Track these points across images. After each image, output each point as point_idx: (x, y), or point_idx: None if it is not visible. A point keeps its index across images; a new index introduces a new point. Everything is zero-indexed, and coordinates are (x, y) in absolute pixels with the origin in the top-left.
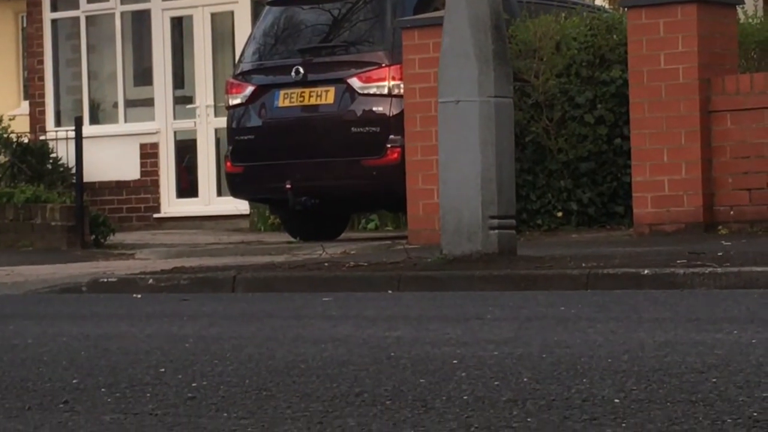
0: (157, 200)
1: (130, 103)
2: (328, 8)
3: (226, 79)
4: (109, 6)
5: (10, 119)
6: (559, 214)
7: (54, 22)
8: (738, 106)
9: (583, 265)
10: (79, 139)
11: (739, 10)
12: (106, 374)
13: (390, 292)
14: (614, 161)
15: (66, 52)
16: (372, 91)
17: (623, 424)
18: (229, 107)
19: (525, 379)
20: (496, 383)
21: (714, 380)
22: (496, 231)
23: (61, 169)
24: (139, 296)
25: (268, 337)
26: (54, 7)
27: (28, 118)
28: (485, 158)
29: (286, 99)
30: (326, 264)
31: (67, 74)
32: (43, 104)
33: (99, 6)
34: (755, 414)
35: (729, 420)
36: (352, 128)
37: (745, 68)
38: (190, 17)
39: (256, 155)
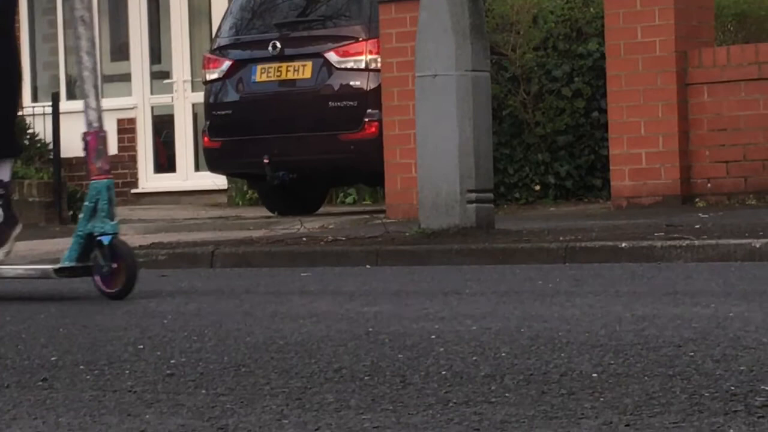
0: (134, 175)
1: (107, 79)
2: None
3: (203, 54)
4: None
5: None
6: (537, 187)
7: None
8: (715, 79)
9: (561, 238)
10: (56, 114)
11: None
12: (84, 351)
13: (368, 266)
14: (591, 134)
15: (42, 28)
16: (349, 65)
17: (601, 399)
18: (206, 82)
19: (503, 354)
20: (474, 358)
21: (691, 354)
22: (474, 205)
23: (39, 144)
24: None
25: (247, 312)
26: None
27: None
28: (463, 132)
29: (263, 74)
30: (304, 239)
31: (43, 50)
32: None
33: None
34: (732, 388)
35: (706, 394)
36: (330, 102)
37: (721, 41)
38: None
39: (233, 130)
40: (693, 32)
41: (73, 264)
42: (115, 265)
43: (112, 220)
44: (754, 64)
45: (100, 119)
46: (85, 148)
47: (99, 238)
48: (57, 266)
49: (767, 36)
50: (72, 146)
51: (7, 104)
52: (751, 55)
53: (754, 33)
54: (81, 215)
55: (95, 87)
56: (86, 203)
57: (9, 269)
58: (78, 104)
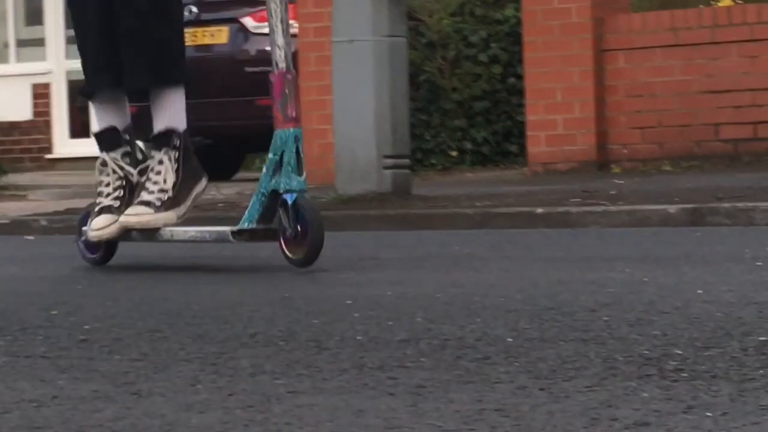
0: (49, 141)
1: (21, 43)
2: None
3: None
4: None
5: None
6: (454, 153)
7: None
8: (631, 45)
9: (477, 204)
10: None
11: None
12: None
13: None
14: (508, 100)
15: None
16: (265, 30)
17: (516, 363)
18: None
19: (419, 319)
20: (389, 323)
21: (606, 319)
22: (391, 171)
23: None
24: (32, 238)
25: (162, 278)
26: None
27: None
28: (379, 98)
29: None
30: (221, 204)
31: None
32: None
33: None
34: (646, 352)
35: (620, 358)
36: (246, 68)
37: (637, 7)
38: None
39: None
40: None
41: (253, 226)
42: (300, 228)
43: (300, 175)
44: (669, 30)
45: (287, 59)
46: (271, 92)
47: (284, 196)
48: (235, 228)
49: (683, 2)
50: None
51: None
52: (666, 21)
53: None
54: (264, 169)
55: (282, 22)
56: (270, 155)
57: (180, 231)
58: None
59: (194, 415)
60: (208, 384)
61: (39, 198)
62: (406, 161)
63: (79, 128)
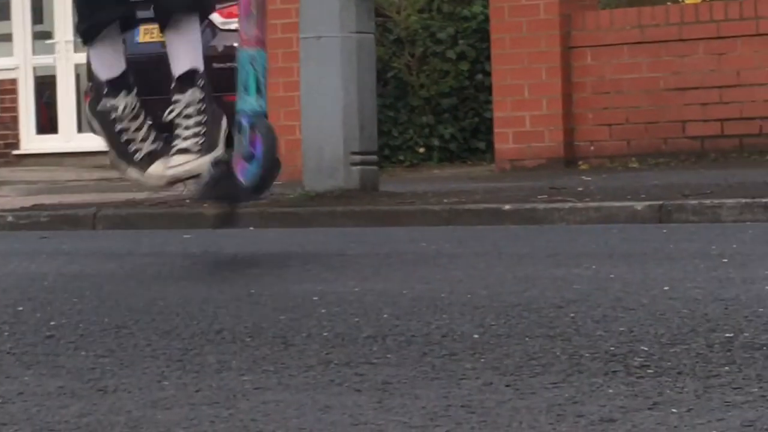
0: (16, 137)
1: None
2: None
3: None
4: None
5: None
6: (421, 150)
7: None
8: (598, 42)
9: (445, 200)
10: None
11: None
12: None
13: (252, 228)
14: (476, 97)
15: None
16: (233, 26)
17: (482, 360)
18: None
19: (385, 316)
20: (356, 319)
21: (572, 315)
22: (358, 167)
23: None
24: None
25: (128, 274)
26: None
27: None
28: (347, 94)
29: (146, 34)
30: (188, 201)
31: None
32: None
33: None
34: (612, 348)
35: (586, 354)
36: (214, 64)
37: (605, 4)
38: None
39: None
40: None
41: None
42: (253, 152)
43: (256, 97)
44: (636, 27)
45: None
46: (238, 10)
47: (238, 117)
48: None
49: (650, 0)
50: None
51: None
52: (633, 18)
53: None
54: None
55: None
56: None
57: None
58: None
59: (160, 411)
60: (175, 380)
61: (5, 194)
62: (374, 158)
63: (46, 124)
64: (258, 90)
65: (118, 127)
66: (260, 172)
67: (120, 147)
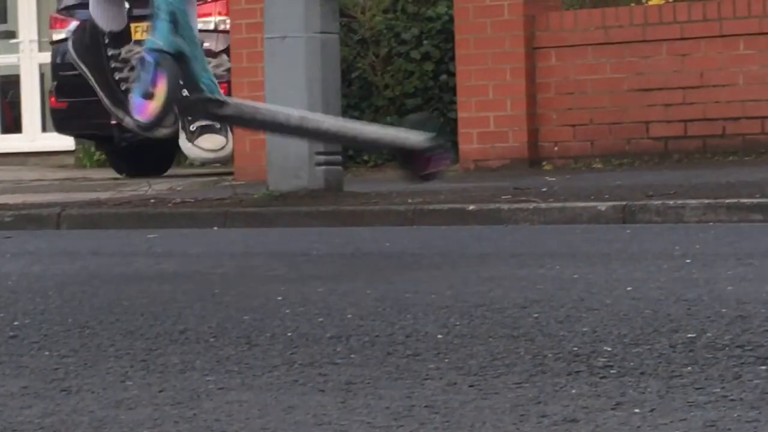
0: None
1: None
2: None
3: (50, 14)
4: None
5: None
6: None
7: None
8: (562, 43)
9: (409, 200)
10: None
11: None
12: None
13: (216, 228)
14: (440, 97)
15: None
16: (202, 26)
17: (446, 360)
18: (53, 42)
19: (349, 316)
20: (320, 320)
21: (536, 315)
22: (323, 167)
23: None
24: None
25: (92, 274)
26: None
27: None
28: (311, 94)
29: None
30: (152, 200)
31: None
32: None
33: None
34: (575, 348)
35: (550, 354)
36: None
37: (569, 5)
38: None
39: (80, 91)
40: None
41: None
42: (152, 89)
43: (163, 34)
44: (600, 28)
45: None
46: None
47: (142, 53)
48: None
49: (614, 0)
50: None
51: None
52: (597, 19)
53: None
54: None
55: None
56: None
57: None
58: None
59: (124, 411)
60: (138, 380)
61: None
62: (338, 158)
63: (10, 123)
64: (162, 26)
65: (115, 68)
66: (157, 112)
67: (111, 89)
